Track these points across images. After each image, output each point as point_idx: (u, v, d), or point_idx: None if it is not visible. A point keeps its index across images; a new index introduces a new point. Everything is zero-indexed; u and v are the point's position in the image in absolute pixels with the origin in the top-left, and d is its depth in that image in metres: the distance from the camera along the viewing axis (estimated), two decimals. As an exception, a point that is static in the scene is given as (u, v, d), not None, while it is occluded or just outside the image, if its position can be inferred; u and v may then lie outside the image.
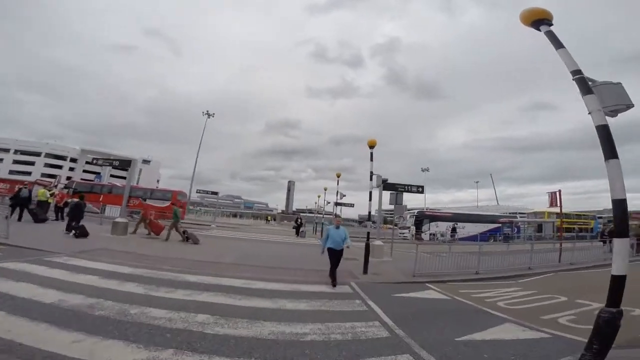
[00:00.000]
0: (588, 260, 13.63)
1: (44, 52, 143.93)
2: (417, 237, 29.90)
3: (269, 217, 71.04)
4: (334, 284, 7.12)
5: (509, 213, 45.11)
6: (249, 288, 6.43)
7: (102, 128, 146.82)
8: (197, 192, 30.39)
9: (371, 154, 12.65)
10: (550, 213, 40.28)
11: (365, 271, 8.86)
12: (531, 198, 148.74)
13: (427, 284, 8.00)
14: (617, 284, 3.06)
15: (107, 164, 19.85)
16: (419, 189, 16.62)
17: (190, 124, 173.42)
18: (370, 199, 12.46)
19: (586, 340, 4.21)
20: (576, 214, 40.81)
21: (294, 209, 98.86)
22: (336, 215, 7.18)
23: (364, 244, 10.16)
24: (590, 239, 26.86)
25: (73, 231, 11.27)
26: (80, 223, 11.69)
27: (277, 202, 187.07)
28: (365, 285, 7.31)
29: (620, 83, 3.76)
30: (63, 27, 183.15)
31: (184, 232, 13.28)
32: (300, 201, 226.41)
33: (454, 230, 31.07)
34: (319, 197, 38.10)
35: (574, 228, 36.13)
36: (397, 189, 15.51)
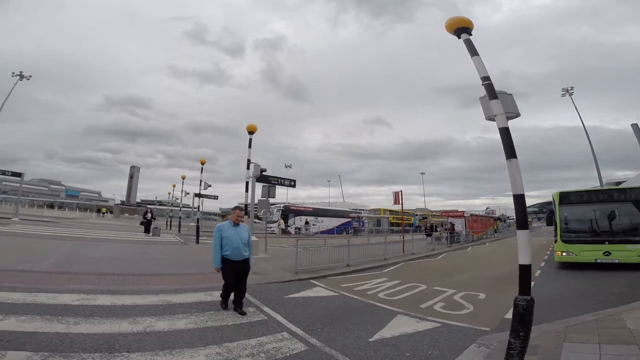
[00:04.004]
0: (421, 251, 16.60)
1: None
2: (284, 231, 30.23)
3: (104, 210, 57.91)
4: (223, 305, 5.03)
5: (354, 209, 51.66)
6: (88, 305, 4.58)
7: None
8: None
9: (250, 140, 11.71)
10: (385, 210, 48.59)
11: (245, 271, 7.83)
12: (367, 197, 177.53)
13: (311, 281, 7.71)
14: (525, 272, 3.31)
15: None
16: (291, 183, 16.65)
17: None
18: (247, 190, 11.49)
19: (469, 326, 4.73)
20: (403, 212, 50.40)
21: (138, 199, 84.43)
22: (236, 208, 5.18)
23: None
24: (412, 232, 33.66)
25: None
26: None
27: (114, 190, 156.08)
28: (252, 288, 6.33)
29: (512, 94, 4.24)
30: None
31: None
32: (147, 191, 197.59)
33: (307, 223, 33.03)
34: (174, 186, 33.66)
35: (401, 223, 44.52)
36: (270, 181, 15.02)
